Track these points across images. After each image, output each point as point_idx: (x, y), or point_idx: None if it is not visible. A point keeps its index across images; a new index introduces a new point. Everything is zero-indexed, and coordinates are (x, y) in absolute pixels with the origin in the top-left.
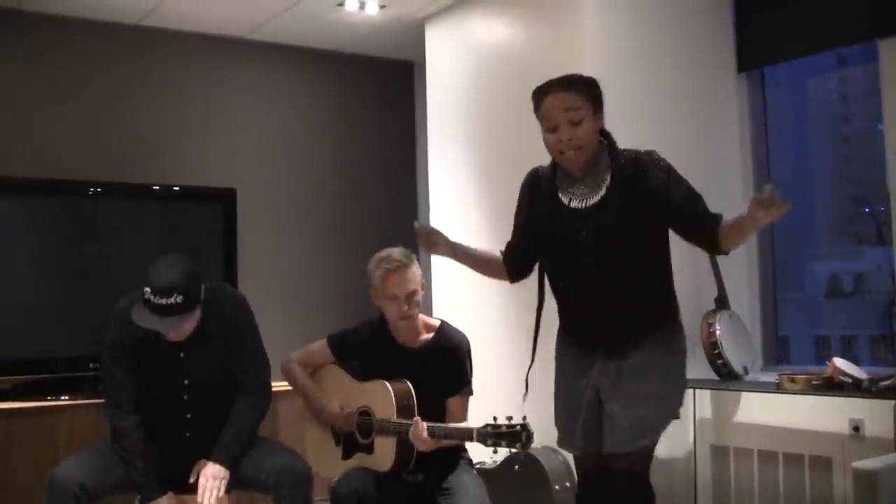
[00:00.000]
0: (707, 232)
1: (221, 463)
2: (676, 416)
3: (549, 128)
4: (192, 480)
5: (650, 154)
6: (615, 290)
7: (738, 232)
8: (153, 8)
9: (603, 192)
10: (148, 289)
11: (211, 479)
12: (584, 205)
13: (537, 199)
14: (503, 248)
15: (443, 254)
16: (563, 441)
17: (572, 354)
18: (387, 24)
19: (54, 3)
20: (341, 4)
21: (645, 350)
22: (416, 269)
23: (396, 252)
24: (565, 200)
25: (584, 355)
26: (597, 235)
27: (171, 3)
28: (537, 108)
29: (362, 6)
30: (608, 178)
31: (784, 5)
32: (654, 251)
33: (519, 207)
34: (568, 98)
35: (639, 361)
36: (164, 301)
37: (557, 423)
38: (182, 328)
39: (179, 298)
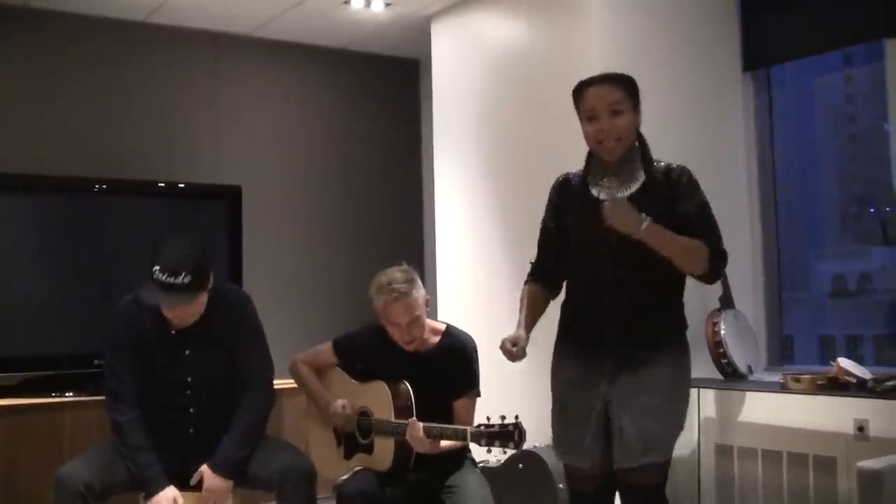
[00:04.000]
0: (707, 244)
1: (223, 474)
2: (681, 428)
3: (590, 117)
4: (193, 483)
5: (682, 168)
6: (631, 292)
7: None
8: (159, 4)
9: (633, 189)
10: (157, 267)
11: (212, 494)
12: (612, 198)
13: (567, 197)
14: (529, 268)
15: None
16: (568, 454)
17: (578, 365)
18: (392, 22)
19: (61, 0)
20: (347, 2)
21: (656, 365)
22: (417, 294)
23: (398, 278)
24: (595, 193)
25: (592, 366)
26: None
27: None
28: (578, 100)
29: (368, 4)
30: (640, 178)
31: (790, 4)
32: (669, 264)
33: (546, 213)
34: (610, 91)
35: (651, 377)
36: (172, 280)
37: (558, 435)
38: (187, 311)
39: (188, 279)
